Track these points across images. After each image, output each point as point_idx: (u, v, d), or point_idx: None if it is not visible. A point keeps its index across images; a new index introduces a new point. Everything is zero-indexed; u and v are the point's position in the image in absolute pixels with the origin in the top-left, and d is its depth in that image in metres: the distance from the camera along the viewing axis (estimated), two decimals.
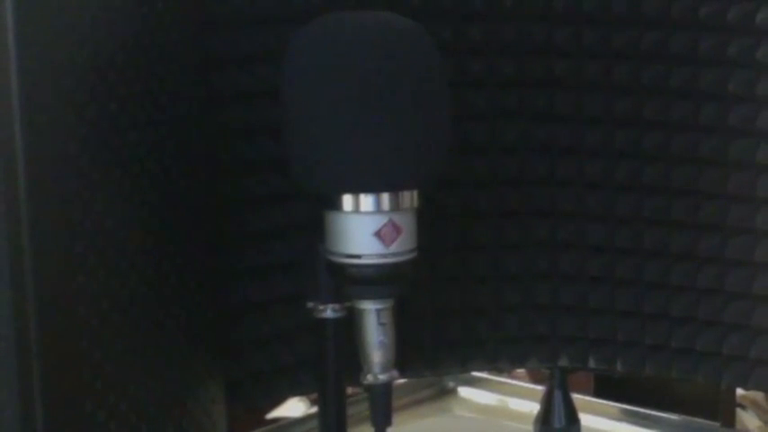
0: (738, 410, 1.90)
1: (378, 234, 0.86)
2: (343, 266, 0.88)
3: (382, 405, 0.90)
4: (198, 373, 0.93)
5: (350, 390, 0.98)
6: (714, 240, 1.04)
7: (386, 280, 0.87)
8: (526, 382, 1.51)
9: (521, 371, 1.61)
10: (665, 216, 1.06)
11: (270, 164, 1.00)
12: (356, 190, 0.86)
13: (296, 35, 0.88)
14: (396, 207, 0.86)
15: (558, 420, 1.13)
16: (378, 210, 0.86)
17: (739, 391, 1.69)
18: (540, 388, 1.22)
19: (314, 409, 1.32)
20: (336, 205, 0.87)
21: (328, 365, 0.93)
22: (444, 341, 1.11)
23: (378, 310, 0.88)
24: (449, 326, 1.10)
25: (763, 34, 1.00)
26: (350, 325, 0.90)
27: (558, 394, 1.13)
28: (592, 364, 1.12)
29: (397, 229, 0.87)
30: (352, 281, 0.88)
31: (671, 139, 1.05)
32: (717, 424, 1.29)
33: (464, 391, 1.41)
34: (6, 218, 0.70)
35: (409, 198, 0.87)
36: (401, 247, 0.87)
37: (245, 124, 1.00)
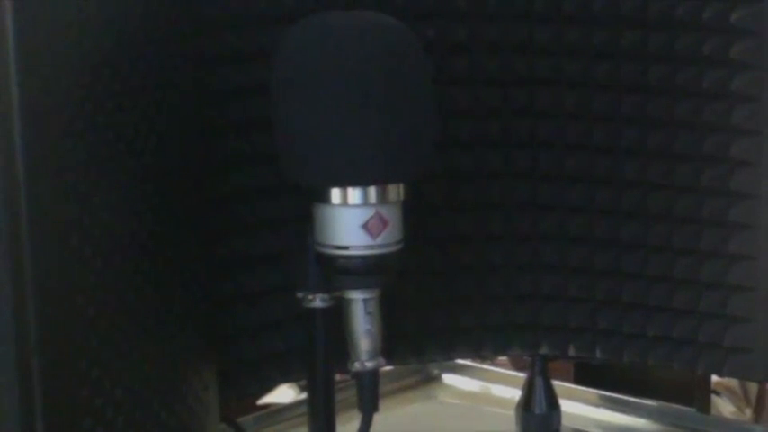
0: (713, 397, 1.91)
1: (365, 226, 0.88)
2: (331, 257, 0.89)
3: (369, 391, 0.91)
4: (191, 360, 0.93)
5: (338, 376, 0.99)
6: (689, 232, 1.05)
7: (372, 270, 0.89)
8: (508, 369, 1.51)
9: (503, 358, 1.62)
10: (643, 209, 1.06)
11: (261, 158, 1.00)
12: (344, 184, 0.87)
13: (286, 34, 0.89)
14: (382, 200, 0.88)
15: (539, 406, 1.13)
16: (365, 203, 0.88)
17: (714, 378, 1.71)
18: (521, 375, 1.22)
19: (303, 396, 1.32)
20: (325, 198, 0.88)
21: (317, 353, 0.94)
22: (429, 330, 1.11)
23: (365, 300, 0.90)
24: (434, 315, 1.11)
25: (737, 33, 1.00)
26: (338, 314, 0.91)
27: (539, 381, 1.13)
28: (572, 351, 1.12)
29: (383, 222, 0.88)
30: (340, 271, 0.89)
31: (648, 134, 1.05)
32: (692, 410, 1.29)
33: (448, 378, 1.41)
34: (6, 212, 0.71)
35: (395, 191, 0.89)
36: (387, 239, 0.89)
37: (237, 120, 1.00)
